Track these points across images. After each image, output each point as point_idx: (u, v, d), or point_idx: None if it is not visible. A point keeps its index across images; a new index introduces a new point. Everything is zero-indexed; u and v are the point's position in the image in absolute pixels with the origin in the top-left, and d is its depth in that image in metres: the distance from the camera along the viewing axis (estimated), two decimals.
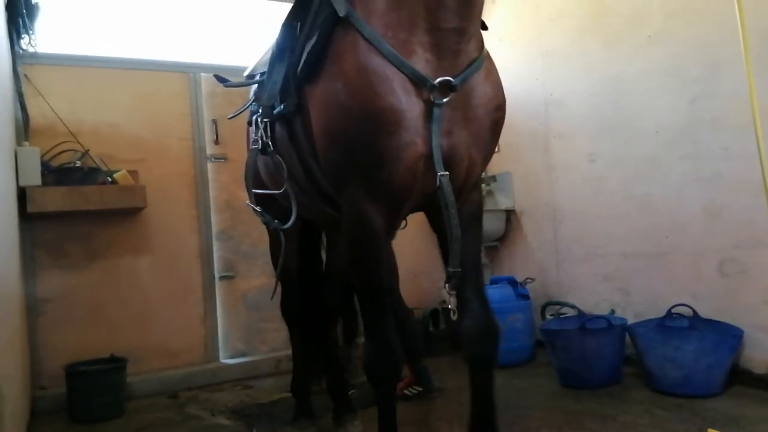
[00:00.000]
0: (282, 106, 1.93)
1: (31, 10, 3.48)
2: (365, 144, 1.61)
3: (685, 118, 3.27)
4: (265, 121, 2.05)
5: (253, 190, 2.25)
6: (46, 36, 3.77)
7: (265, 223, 2.17)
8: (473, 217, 1.93)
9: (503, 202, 4.63)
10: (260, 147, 2.12)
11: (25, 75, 3.68)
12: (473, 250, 1.93)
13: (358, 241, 1.77)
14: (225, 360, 4.18)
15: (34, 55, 3.68)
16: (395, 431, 1.91)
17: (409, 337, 3.22)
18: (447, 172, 1.64)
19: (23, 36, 3.56)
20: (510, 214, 4.58)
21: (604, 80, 3.75)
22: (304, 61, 1.76)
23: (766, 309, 2.92)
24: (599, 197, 3.83)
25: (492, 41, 1.85)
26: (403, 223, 2.15)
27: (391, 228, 1.83)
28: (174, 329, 4.01)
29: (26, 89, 3.66)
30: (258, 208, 2.19)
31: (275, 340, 4.22)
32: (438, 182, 1.63)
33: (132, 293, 3.91)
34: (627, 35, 3.58)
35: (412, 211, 2.03)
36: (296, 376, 2.94)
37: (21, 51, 3.61)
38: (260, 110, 2.16)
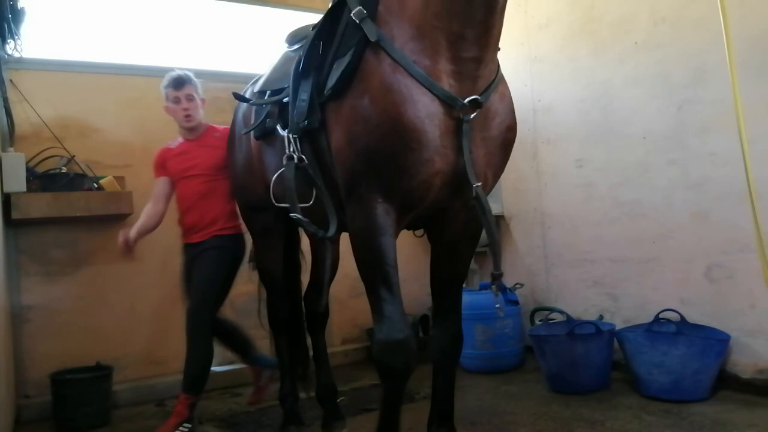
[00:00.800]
0: (306, 122, 1.98)
1: (17, 15, 3.43)
2: (388, 156, 1.71)
3: (673, 124, 3.29)
4: (296, 137, 2.06)
5: (299, 205, 2.08)
6: (32, 41, 3.72)
7: (312, 233, 2.07)
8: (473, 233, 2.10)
9: (492, 208, 4.61)
10: (296, 161, 2.06)
11: (11, 80, 3.64)
12: (465, 263, 2.13)
13: (366, 236, 1.82)
14: (213, 367, 4.11)
15: (20, 60, 3.63)
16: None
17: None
18: (480, 183, 1.77)
19: (8, 41, 3.52)
20: (499, 220, 4.58)
21: (592, 86, 3.77)
22: (337, 79, 1.82)
23: (753, 314, 2.94)
24: (588, 203, 3.84)
25: None
26: (420, 231, 2.26)
27: (397, 230, 1.88)
28: (161, 336, 3.96)
29: (11, 94, 3.61)
30: (306, 219, 2.08)
31: (264, 347, 4.18)
32: (474, 193, 1.77)
33: (118, 300, 3.87)
34: (615, 42, 3.60)
35: (416, 224, 2.14)
36: (283, 383, 2.92)
37: (6, 56, 3.58)
38: (278, 126, 2.22)
